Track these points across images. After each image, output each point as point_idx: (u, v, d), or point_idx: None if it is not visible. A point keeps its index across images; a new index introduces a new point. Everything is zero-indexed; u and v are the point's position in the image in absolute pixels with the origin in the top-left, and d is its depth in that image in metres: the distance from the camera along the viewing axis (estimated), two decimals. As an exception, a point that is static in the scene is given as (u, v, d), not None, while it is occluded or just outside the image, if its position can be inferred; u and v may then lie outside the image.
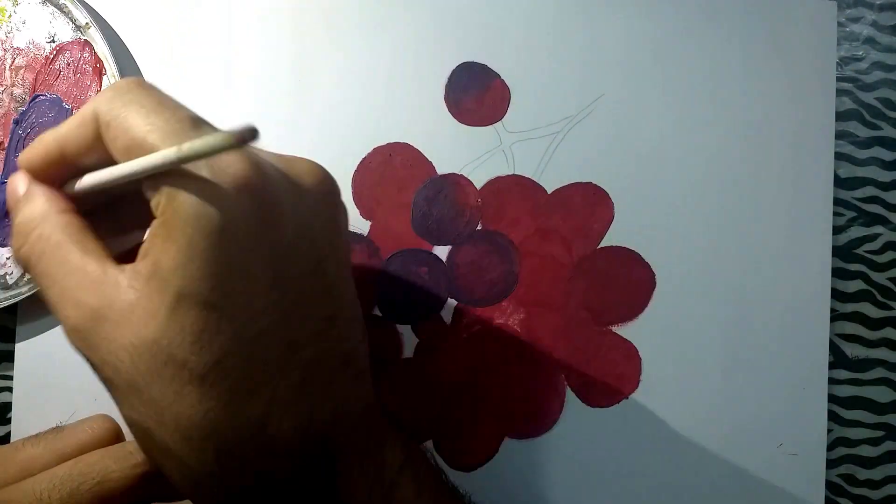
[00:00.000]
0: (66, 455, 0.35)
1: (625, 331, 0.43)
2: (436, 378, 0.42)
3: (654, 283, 0.43)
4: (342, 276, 0.31)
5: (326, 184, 0.31)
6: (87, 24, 0.41)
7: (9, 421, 0.41)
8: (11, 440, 0.41)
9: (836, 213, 0.44)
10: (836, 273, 0.44)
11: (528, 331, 0.43)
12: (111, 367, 0.27)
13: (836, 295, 0.44)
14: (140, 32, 0.43)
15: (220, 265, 0.26)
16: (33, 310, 0.42)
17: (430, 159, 0.43)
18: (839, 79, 0.44)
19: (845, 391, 0.44)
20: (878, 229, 0.45)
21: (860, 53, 0.45)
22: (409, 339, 0.43)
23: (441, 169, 0.43)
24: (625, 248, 0.43)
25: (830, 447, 0.44)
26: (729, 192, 0.44)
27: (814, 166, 0.44)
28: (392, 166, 0.43)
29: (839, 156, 0.44)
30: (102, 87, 0.41)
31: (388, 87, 0.43)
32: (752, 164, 0.44)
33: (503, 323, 0.43)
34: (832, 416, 0.44)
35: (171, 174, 0.26)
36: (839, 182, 0.44)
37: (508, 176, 0.43)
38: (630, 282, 0.43)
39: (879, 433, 0.44)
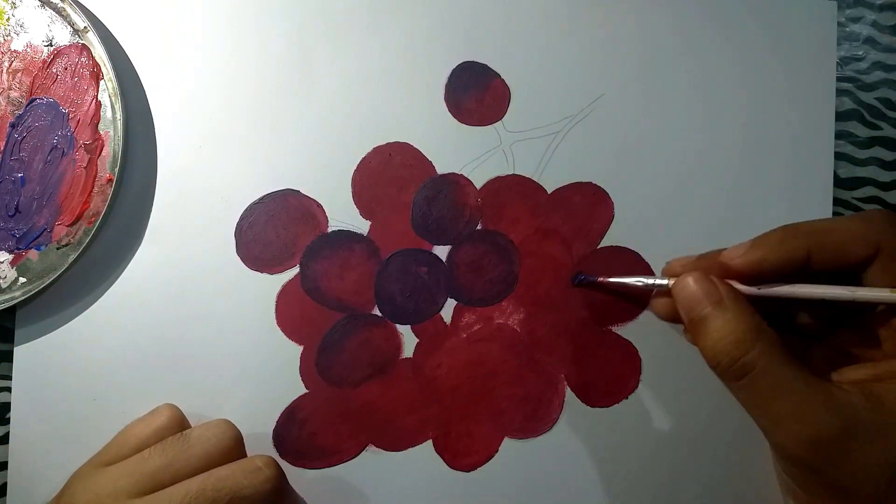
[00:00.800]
0: (193, 465, 0.36)
1: (625, 331, 0.43)
2: (436, 378, 0.43)
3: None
4: None
5: None
6: (84, 27, 0.41)
7: (8, 421, 0.41)
8: (10, 440, 0.41)
9: (836, 213, 0.44)
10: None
11: (527, 331, 0.43)
12: (859, 485, 0.28)
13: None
14: (138, 36, 0.43)
15: None
16: (32, 311, 0.42)
17: (429, 159, 0.43)
18: (839, 79, 0.44)
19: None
20: (878, 229, 0.45)
21: (860, 53, 0.45)
22: (409, 339, 0.43)
23: (441, 169, 0.43)
24: (625, 248, 0.43)
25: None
26: (729, 192, 0.44)
27: (814, 166, 0.44)
28: (392, 166, 0.43)
29: (839, 156, 0.44)
30: (99, 92, 0.41)
31: (388, 87, 0.43)
32: (753, 164, 0.44)
33: (503, 323, 0.43)
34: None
35: None
36: (839, 182, 0.44)
37: (508, 176, 0.43)
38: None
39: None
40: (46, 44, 0.41)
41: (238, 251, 0.42)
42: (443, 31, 0.44)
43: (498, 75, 0.44)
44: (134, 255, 0.42)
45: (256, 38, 0.43)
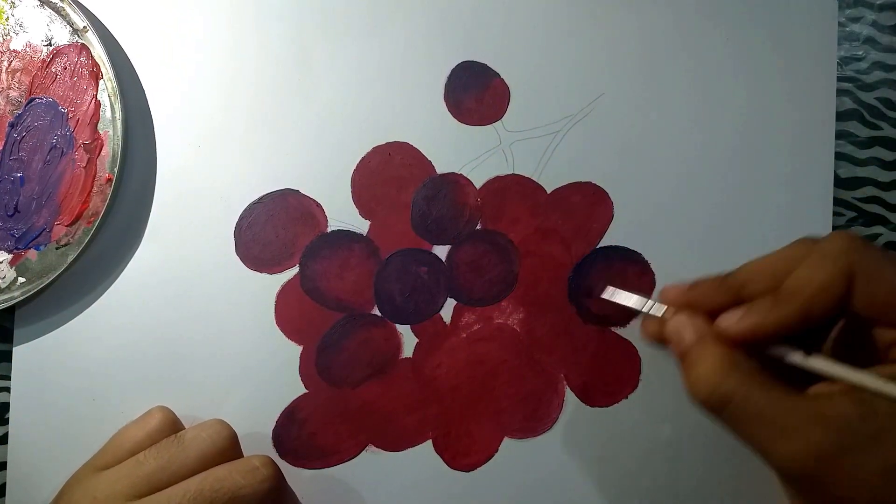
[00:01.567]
0: (189, 466, 0.36)
1: (625, 331, 0.43)
2: (436, 378, 0.43)
3: (654, 283, 0.43)
4: None
5: None
6: (84, 27, 0.41)
7: (7, 421, 0.41)
8: (9, 440, 0.41)
9: (836, 213, 0.44)
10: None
11: (527, 330, 0.43)
12: (857, 494, 0.29)
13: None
14: (138, 36, 0.43)
15: None
16: (31, 312, 0.42)
17: (429, 159, 0.43)
18: (839, 79, 0.44)
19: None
20: (879, 229, 0.45)
21: (860, 53, 0.45)
22: (408, 339, 0.43)
23: (440, 168, 0.43)
24: (624, 247, 0.43)
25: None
26: (729, 192, 0.44)
27: (814, 166, 0.44)
28: (392, 166, 0.43)
29: (839, 156, 0.44)
30: (99, 91, 0.41)
31: (388, 87, 0.43)
32: (753, 163, 0.44)
33: (503, 322, 0.43)
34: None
35: None
36: (839, 182, 0.44)
37: (508, 175, 0.43)
38: (629, 282, 0.43)
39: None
40: (46, 43, 0.41)
41: (237, 251, 0.42)
42: (442, 31, 0.44)
43: (497, 75, 0.44)
44: (133, 254, 0.42)
45: (256, 38, 0.43)
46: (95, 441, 0.39)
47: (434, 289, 0.43)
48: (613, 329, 0.43)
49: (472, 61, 0.44)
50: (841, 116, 0.44)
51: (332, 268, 0.42)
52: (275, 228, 0.43)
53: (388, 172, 0.43)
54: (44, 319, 0.42)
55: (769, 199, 0.44)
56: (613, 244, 0.43)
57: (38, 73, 0.41)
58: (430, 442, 0.42)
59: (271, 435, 0.42)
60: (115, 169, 0.40)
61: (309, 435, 0.42)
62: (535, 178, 0.43)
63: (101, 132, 0.41)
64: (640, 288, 0.43)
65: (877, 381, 0.29)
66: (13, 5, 0.41)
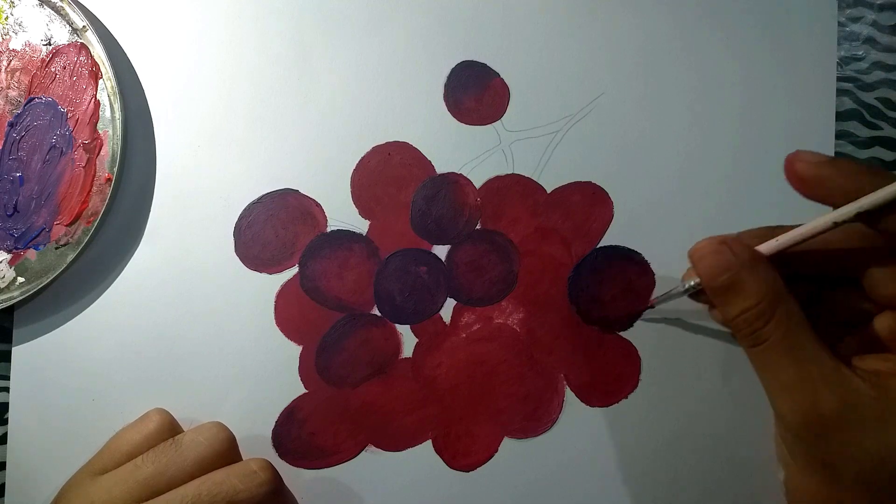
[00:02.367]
0: (187, 471, 0.36)
1: (625, 331, 0.43)
2: (435, 378, 0.42)
3: (654, 283, 0.43)
4: None
5: None
6: (83, 26, 0.41)
7: (6, 421, 0.41)
8: (9, 440, 0.41)
9: (835, 213, 0.44)
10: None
11: (527, 330, 0.43)
12: (845, 466, 0.29)
13: (836, 294, 0.44)
14: (137, 35, 0.43)
15: None
16: (31, 312, 0.42)
17: (429, 158, 0.43)
18: (839, 79, 0.44)
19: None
20: (878, 229, 0.45)
21: (860, 53, 0.45)
22: (408, 339, 0.43)
23: (440, 168, 0.43)
24: (624, 247, 0.43)
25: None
26: (729, 192, 0.44)
27: (814, 166, 0.44)
28: (391, 165, 0.43)
29: (839, 156, 0.44)
30: (98, 91, 0.41)
31: (387, 87, 0.43)
32: (752, 163, 0.44)
33: (503, 322, 0.43)
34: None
35: None
36: (839, 182, 0.44)
37: (508, 175, 0.43)
38: (629, 282, 0.43)
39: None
40: (45, 43, 0.41)
41: (237, 251, 0.42)
42: (442, 31, 0.44)
43: (497, 74, 0.44)
44: (133, 254, 0.42)
45: (255, 38, 0.43)
46: (95, 441, 0.39)
47: (434, 289, 0.43)
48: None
49: (472, 61, 0.44)
50: (841, 116, 0.44)
51: (331, 268, 0.42)
52: (274, 228, 0.42)
53: (387, 172, 0.43)
54: (43, 319, 0.42)
55: (769, 198, 0.44)
56: (613, 244, 0.43)
57: (38, 72, 0.41)
58: (429, 442, 0.42)
59: (271, 435, 0.42)
60: (115, 168, 0.40)
61: (308, 435, 0.42)
62: (534, 178, 0.43)
63: (100, 132, 0.41)
64: (640, 287, 0.43)
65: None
66: (12, 5, 0.41)
